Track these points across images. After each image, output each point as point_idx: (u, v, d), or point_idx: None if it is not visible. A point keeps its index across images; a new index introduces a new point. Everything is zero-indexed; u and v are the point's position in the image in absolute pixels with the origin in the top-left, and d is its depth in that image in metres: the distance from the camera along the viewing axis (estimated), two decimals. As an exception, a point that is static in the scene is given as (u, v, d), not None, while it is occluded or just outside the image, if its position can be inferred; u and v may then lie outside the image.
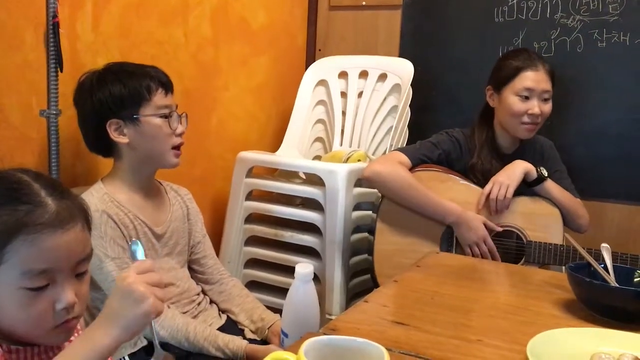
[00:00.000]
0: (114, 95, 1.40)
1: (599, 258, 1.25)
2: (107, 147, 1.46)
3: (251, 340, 1.47)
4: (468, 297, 1.23)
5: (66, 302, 0.82)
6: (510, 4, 2.26)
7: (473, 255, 1.74)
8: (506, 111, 1.81)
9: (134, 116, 1.40)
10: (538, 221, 1.77)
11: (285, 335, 1.10)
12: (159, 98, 1.43)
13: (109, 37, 1.73)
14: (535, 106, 1.78)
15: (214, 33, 2.13)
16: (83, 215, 0.87)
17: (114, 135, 1.41)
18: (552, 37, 2.20)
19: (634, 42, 2.08)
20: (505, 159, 1.85)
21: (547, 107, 1.81)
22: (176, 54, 1.97)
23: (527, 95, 1.78)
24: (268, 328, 1.53)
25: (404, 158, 1.83)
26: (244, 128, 2.37)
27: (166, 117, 1.43)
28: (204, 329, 1.40)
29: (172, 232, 1.52)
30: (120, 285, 0.81)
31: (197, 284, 1.60)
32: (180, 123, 1.48)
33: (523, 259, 1.74)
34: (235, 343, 1.39)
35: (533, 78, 1.78)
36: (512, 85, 1.79)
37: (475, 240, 1.73)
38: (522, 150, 1.89)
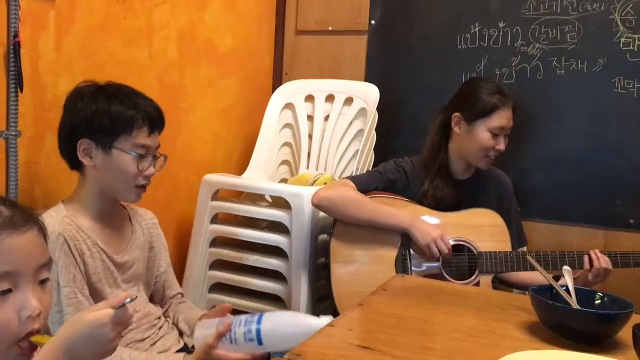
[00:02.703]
0: (96, 116, 1.34)
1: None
2: (74, 160, 1.39)
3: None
4: (433, 319, 1.23)
5: (31, 309, 0.81)
6: (472, 31, 2.32)
7: (432, 257, 1.75)
8: (474, 143, 1.85)
9: (107, 144, 1.35)
10: (484, 232, 1.82)
11: (260, 341, 1.14)
12: (140, 136, 1.36)
13: (72, 57, 1.71)
14: (502, 144, 1.84)
15: (179, 55, 2.13)
16: (38, 224, 0.87)
17: (80, 154, 1.36)
18: (513, 64, 2.26)
19: (591, 70, 2.15)
20: (458, 185, 1.89)
21: (506, 142, 1.87)
22: (141, 76, 1.96)
23: (497, 133, 1.83)
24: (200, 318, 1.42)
25: (351, 184, 1.85)
26: (210, 150, 2.36)
27: (140, 156, 1.37)
28: (138, 355, 1.33)
29: (133, 260, 1.47)
30: (94, 325, 0.81)
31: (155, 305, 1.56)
32: (154, 166, 1.41)
33: (477, 271, 1.77)
34: (170, 359, 1.34)
35: (506, 117, 1.84)
36: (487, 122, 1.83)
37: (433, 237, 1.74)
38: (478, 178, 1.93)
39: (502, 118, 1.83)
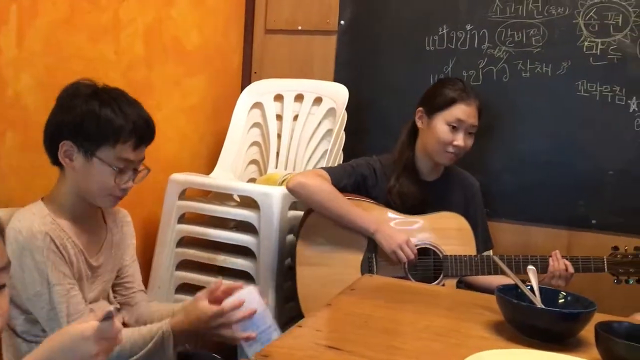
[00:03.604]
0: (85, 120, 1.29)
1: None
2: (55, 157, 1.34)
3: None
4: (400, 319, 1.23)
5: None
6: (440, 33, 2.34)
7: (398, 261, 1.76)
8: (433, 136, 1.86)
9: (89, 151, 1.30)
10: (449, 235, 1.84)
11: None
12: (125, 150, 1.31)
13: (34, 52, 1.66)
14: (460, 139, 1.84)
15: (146, 52, 2.09)
16: None
17: (61, 155, 1.31)
18: (480, 67, 2.29)
19: (556, 73, 2.19)
20: (425, 186, 1.91)
21: (470, 142, 1.87)
22: (106, 72, 1.92)
23: (455, 126, 1.83)
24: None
25: (326, 174, 1.86)
26: (177, 149, 2.33)
27: (120, 170, 1.33)
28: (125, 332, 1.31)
29: (105, 262, 1.44)
30: (77, 338, 0.79)
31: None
32: (133, 180, 1.37)
33: (442, 274, 1.78)
34: (153, 328, 1.31)
35: (465, 111, 1.84)
36: (445, 114, 1.84)
37: (398, 243, 1.75)
38: (445, 180, 1.95)
39: (460, 111, 1.83)
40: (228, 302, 1.30)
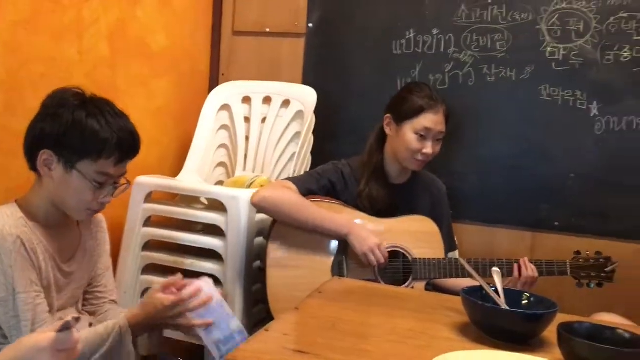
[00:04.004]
0: (68, 131, 1.25)
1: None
2: (33, 163, 1.30)
3: None
4: (368, 322, 1.24)
5: None
6: (407, 37, 2.36)
7: (369, 264, 1.76)
8: (402, 144, 1.87)
9: (69, 163, 1.27)
10: (419, 238, 1.85)
11: (225, 351, 1.22)
12: (107, 165, 1.28)
13: (-6, 52, 1.62)
14: (429, 147, 1.86)
15: (111, 52, 2.06)
16: None
17: (39, 163, 1.27)
18: (446, 71, 2.32)
19: (520, 77, 2.23)
20: (394, 189, 1.92)
21: (438, 147, 1.90)
22: (70, 73, 1.88)
23: (423, 135, 1.85)
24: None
25: (291, 185, 1.85)
26: (143, 151, 2.26)
27: (100, 185, 1.29)
28: (86, 333, 1.28)
29: (77, 269, 1.41)
30: (32, 350, 0.77)
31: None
32: (113, 195, 1.33)
33: (411, 277, 1.80)
34: (110, 325, 1.29)
35: (433, 120, 1.85)
36: (413, 123, 1.85)
37: (370, 246, 1.75)
38: (413, 183, 1.97)
39: (428, 120, 1.84)
40: (186, 290, 1.30)
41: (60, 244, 1.36)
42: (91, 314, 1.50)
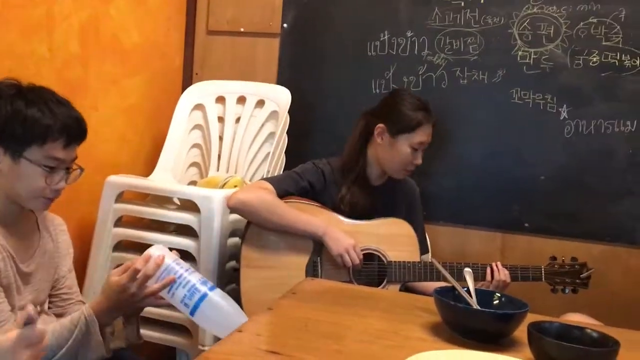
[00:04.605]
0: (9, 121, 1.22)
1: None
2: None
3: None
4: (341, 323, 1.24)
5: None
6: (382, 39, 2.38)
7: (344, 265, 1.77)
8: (395, 156, 1.87)
9: (16, 153, 1.23)
10: (395, 241, 1.86)
11: (192, 313, 1.21)
12: (54, 148, 1.25)
13: (-40, 47, 1.58)
14: (420, 158, 1.89)
15: (82, 49, 2.03)
16: None
17: None
18: (420, 73, 2.34)
19: (491, 80, 2.26)
20: (373, 191, 1.92)
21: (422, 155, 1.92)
22: (39, 70, 1.85)
23: (417, 148, 1.87)
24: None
25: (268, 186, 1.84)
26: (114, 150, 2.26)
27: (51, 169, 1.26)
28: (52, 328, 1.25)
29: (37, 270, 1.37)
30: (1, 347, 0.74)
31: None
32: (66, 180, 1.30)
33: (385, 280, 1.81)
34: (75, 316, 1.26)
35: (428, 133, 1.88)
36: (409, 137, 1.85)
37: (346, 247, 1.76)
38: (390, 185, 1.97)
39: (424, 134, 1.87)
40: (137, 261, 1.27)
41: (19, 243, 1.33)
42: (59, 316, 1.47)
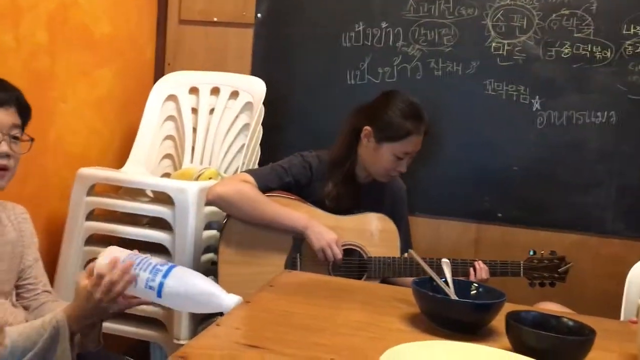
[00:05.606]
0: None
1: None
2: None
3: None
4: (320, 315, 1.23)
5: None
6: (356, 30, 2.37)
7: (325, 260, 1.76)
8: (377, 161, 1.84)
9: None
10: (376, 237, 1.85)
11: (159, 294, 1.14)
12: None
13: None
14: (404, 166, 1.84)
15: (50, 39, 1.97)
16: None
17: None
18: (395, 64, 2.34)
19: (465, 72, 2.27)
20: (359, 188, 1.91)
21: (410, 162, 1.87)
22: (5, 61, 1.79)
23: (401, 157, 1.82)
24: None
25: (250, 179, 1.81)
26: (84, 143, 2.21)
27: None
28: (22, 328, 1.22)
29: (1, 258, 1.34)
30: None
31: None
32: (9, 145, 1.27)
33: (365, 275, 1.81)
34: (47, 319, 1.22)
35: (415, 143, 1.82)
36: (395, 146, 1.80)
37: (327, 241, 1.74)
38: (379, 184, 1.93)
39: (410, 145, 1.81)
40: (94, 263, 1.22)
41: None
42: (26, 308, 1.43)
